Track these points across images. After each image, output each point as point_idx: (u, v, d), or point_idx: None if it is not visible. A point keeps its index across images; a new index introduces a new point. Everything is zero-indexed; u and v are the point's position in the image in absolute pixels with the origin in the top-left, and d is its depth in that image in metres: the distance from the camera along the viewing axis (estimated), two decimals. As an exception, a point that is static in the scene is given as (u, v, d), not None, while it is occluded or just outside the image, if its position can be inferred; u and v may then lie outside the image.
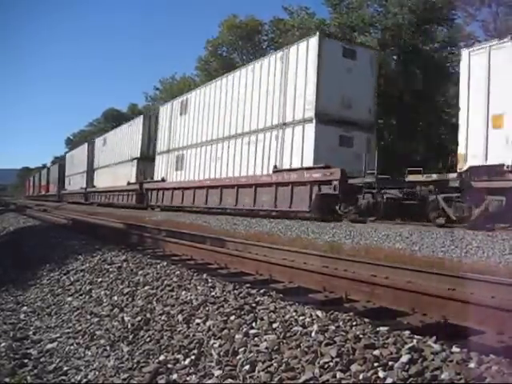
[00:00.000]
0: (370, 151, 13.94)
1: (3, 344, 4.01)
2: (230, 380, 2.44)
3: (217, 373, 2.54)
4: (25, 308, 5.25)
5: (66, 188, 48.68)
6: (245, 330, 2.88)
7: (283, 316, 2.95)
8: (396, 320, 3.51)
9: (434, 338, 2.43)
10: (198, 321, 3.25)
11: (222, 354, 2.70)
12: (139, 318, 3.72)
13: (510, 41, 10.17)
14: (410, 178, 11.57)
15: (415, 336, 2.47)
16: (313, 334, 2.59)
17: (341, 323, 2.73)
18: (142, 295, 4.23)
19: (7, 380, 3.27)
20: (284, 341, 2.61)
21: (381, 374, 2.10)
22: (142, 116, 30.22)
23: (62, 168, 51.79)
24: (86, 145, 42.63)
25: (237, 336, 2.82)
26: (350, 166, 13.21)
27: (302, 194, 14.24)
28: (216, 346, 2.81)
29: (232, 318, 3.10)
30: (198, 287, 3.99)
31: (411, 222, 11.57)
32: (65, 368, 3.37)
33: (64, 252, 7.41)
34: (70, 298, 5.07)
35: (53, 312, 4.83)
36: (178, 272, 4.73)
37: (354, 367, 2.20)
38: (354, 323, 2.74)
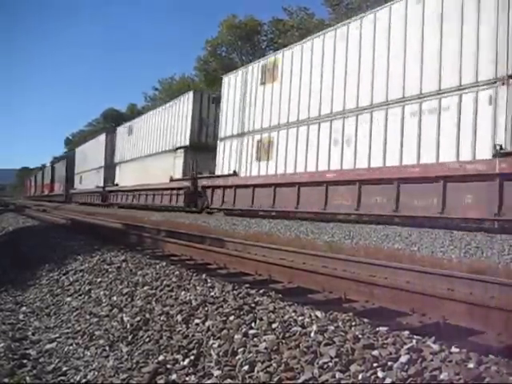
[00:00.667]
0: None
1: (2, 344, 4.00)
2: (229, 380, 2.44)
3: (216, 373, 2.54)
4: (24, 308, 5.25)
5: (75, 187, 42.82)
6: (244, 330, 2.88)
7: (282, 316, 2.95)
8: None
9: (433, 338, 2.43)
10: (197, 321, 3.25)
11: (221, 354, 2.70)
12: (138, 318, 3.72)
13: None
14: None
15: (414, 336, 2.47)
16: (312, 335, 2.59)
17: (340, 323, 2.73)
18: (141, 295, 4.22)
19: (6, 380, 3.26)
20: (283, 341, 2.61)
21: (380, 374, 2.10)
22: (191, 92, 22.54)
23: (71, 164, 45.29)
24: (103, 135, 35.67)
25: (236, 336, 2.82)
26: None
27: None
28: (215, 346, 2.81)
29: (231, 318, 3.10)
30: (198, 287, 3.99)
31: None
32: (64, 368, 3.37)
33: (63, 252, 7.40)
34: (69, 299, 5.07)
35: (52, 312, 4.83)
36: (178, 272, 4.73)
37: (353, 367, 2.20)
38: (354, 323, 2.74)
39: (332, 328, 2.64)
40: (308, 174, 13.81)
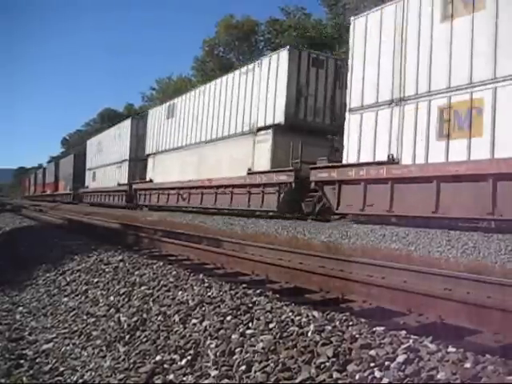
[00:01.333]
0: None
1: (-1, 344, 4.00)
2: (226, 380, 2.44)
3: (213, 373, 2.54)
4: (20, 308, 5.24)
5: (86, 185, 36.96)
6: (241, 330, 2.88)
7: (279, 316, 2.95)
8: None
9: (431, 337, 2.44)
10: (194, 321, 3.24)
11: (218, 354, 2.70)
12: (135, 318, 3.72)
13: None
14: None
15: (411, 336, 2.48)
16: (309, 334, 2.59)
17: (337, 323, 2.73)
18: (138, 295, 4.22)
19: (3, 381, 3.26)
20: (280, 341, 2.61)
21: (377, 374, 2.10)
22: (285, 50, 15.64)
23: (80, 159, 39.53)
24: (127, 122, 29.23)
25: (233, 336, 2.82)
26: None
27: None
28: (212, 346, 2.81)
29: (228, 318, 3.10)
30: (195, 287, 3.99)
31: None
32: (61, 368, 3.36)
33: (60, 252, 7.39)
34: (66, 299, 5.06)
35: (49, 312, 4.82)
36: (175, 272, 4.72)
37: (350, 367, 2.20)
38: (351, 323, 2.74)
39: (329, 328, 2.64)
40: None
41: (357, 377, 2.11)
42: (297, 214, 14.41)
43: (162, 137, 23.83)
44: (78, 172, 39.23)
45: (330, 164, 12.87)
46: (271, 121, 15.48)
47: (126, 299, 4.26)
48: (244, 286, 3.99)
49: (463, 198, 9.36)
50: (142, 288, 4.37)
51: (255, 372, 2.40)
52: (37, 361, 3.62)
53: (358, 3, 25.65)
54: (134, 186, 25.92)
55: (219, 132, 18.56)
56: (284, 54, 15.33)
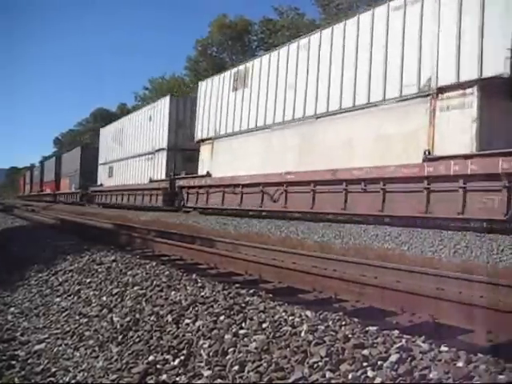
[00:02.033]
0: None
1: (-10, 345, 3.97)
2: (219, 380, 2.44)
3: (206, 373, 2.53)
4: (12, 309, 5.20)
5: (100, 183, 30.94)
6: (234, 330, 2.88)
7: (273, 316, 2.95)
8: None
9: (423, 337, 2.45)
10: (187, 321, 3.24)
11: (211, 354, 2.69)
12: (128, 318, 3.71)
13: None
14: None
15: (404, 335, 2.49)
16: (302, 334, 2.60)
17: (330, 323, 2.74)
18: (131, 296, 4.21)
19: (-6, 382, 3.24)
20: (273, 341, 2.61)
21: (370, 374, 2.11)
22: None
23: (90, 153, 34.02)
24: (165, 101, 22.29)
25: (226, 336, 2.82)
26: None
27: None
28: (205, 346, 2.80)
29: (221, 318, 3.10)
30: (188, 287, 3.98)
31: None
32: (53, 369, 3.34)
33: (52, 252, 7.36)
34: (58, 299, 5.03)
35: (41, 313, 4.79)
36: (168, 272, 4.72)
37: (343, 367, 2.21)
38: (344, 323, 2.74)
39: (322, 328, 2.65)
40: None
41: (350, 376, 2.12)
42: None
43: (226, 115, 16.82)
44: (86, 168, 33.23)
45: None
46: (476, 74, 8.94)
47: (119, 299, 4.25)
48: (237, 285, 4.00)
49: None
50: (135, 288, 4.36)
51: (248, 372, 2.40)
52: (29, 361, 3.59)
53: (351, 3, 25.74)
54: (179, 183, 19.02)
55: (346, 100, 11.84)
56: None
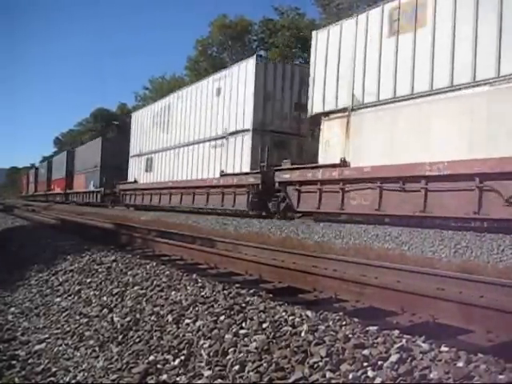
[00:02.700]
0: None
1: (-10, 345, 3.98)
2: (219, 380, 2.44)
3: (206, 373, 2.53)
4: (12, 309, 5.21)
5: (134, 179, 24.80)
6: (234, 330, 2.88)
7: (273, 316, 2.95)
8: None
9: (423, 337, 2.45)
10: (187, 321, 3.24)
11: (211, 354, 2.69)
12: (129, 318, 3.71)
13: None
14: None
15: (404, 335, 2.48)
16: (302, 334, 2.59)
17: (330, 323, 2.74)
18: (131, 295, 4.21)
19: (-6, 382, 3.24)
20: (274, 341, 2.61)
21: (370, 374, 2.11)
22: None
23: (115, 144, 29.24)
24: (248, 64, 15.94)
25: (226, 336, 2.82)
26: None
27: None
28: (206, 346, 2.80)
29: (222, 318, 3.10)
30: (188, 287, 3.98)
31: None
32: (53, 369, 3.35)
33: (53, 252, 7.36)
34: (58, 299, 5.04)
35: (41, 313, 4.79)
36: (168, 272, 4.72)
37: (343, 367, 2.21)
38: (344, 323, 2.74)
39: (322, 328, 2.64)
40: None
41: (350, 376, 2.12)
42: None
43: (378, 74, 11.05)
44: (109, 162, 28.23)
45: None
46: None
47: (119, 299, 4.25)
48: (237, 285, 3.99)
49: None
50: (136, 288, 4.36)
51: (248, 372, 2.40)
52: (29, 361, 3.60)
53: (352, 3, 25.72)
54: (283, 176, 13.35)
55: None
56: None
